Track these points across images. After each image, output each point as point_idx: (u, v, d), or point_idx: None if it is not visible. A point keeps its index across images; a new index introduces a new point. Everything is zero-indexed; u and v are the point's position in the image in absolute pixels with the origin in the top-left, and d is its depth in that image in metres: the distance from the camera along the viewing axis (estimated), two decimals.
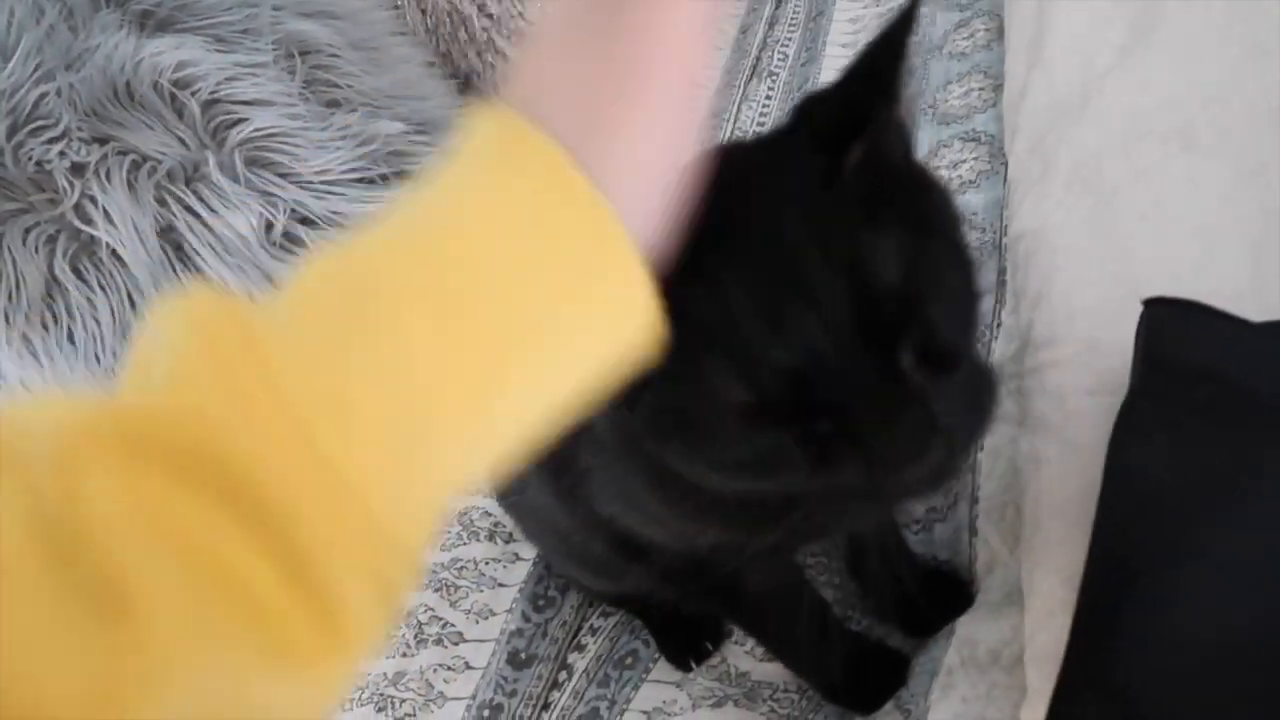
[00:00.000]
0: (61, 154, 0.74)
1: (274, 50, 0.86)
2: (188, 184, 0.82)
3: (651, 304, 0.28)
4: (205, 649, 0.24)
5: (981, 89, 0.91)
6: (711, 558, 0.48)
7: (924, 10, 1.06)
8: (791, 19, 1.25)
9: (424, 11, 1.16)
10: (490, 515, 0.85)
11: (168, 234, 0.80)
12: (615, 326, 0.28)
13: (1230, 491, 0.41)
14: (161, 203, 0.80)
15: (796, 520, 0.41)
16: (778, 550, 0.53)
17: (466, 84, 1.19)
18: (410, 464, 0.26)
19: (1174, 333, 0.49)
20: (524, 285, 0.27)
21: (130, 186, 0.77)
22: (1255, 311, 0.51)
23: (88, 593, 0.23)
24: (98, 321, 0.74)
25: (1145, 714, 0.38)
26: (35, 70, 0.73)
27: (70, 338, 0.73)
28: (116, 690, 0.22)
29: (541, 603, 0.77)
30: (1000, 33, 0.94)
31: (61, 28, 0.75)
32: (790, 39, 1.21)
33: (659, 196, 0.29)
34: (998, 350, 0.70)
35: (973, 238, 0.79)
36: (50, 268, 0.74)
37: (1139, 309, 0.53)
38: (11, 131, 0.72)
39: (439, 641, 0.77)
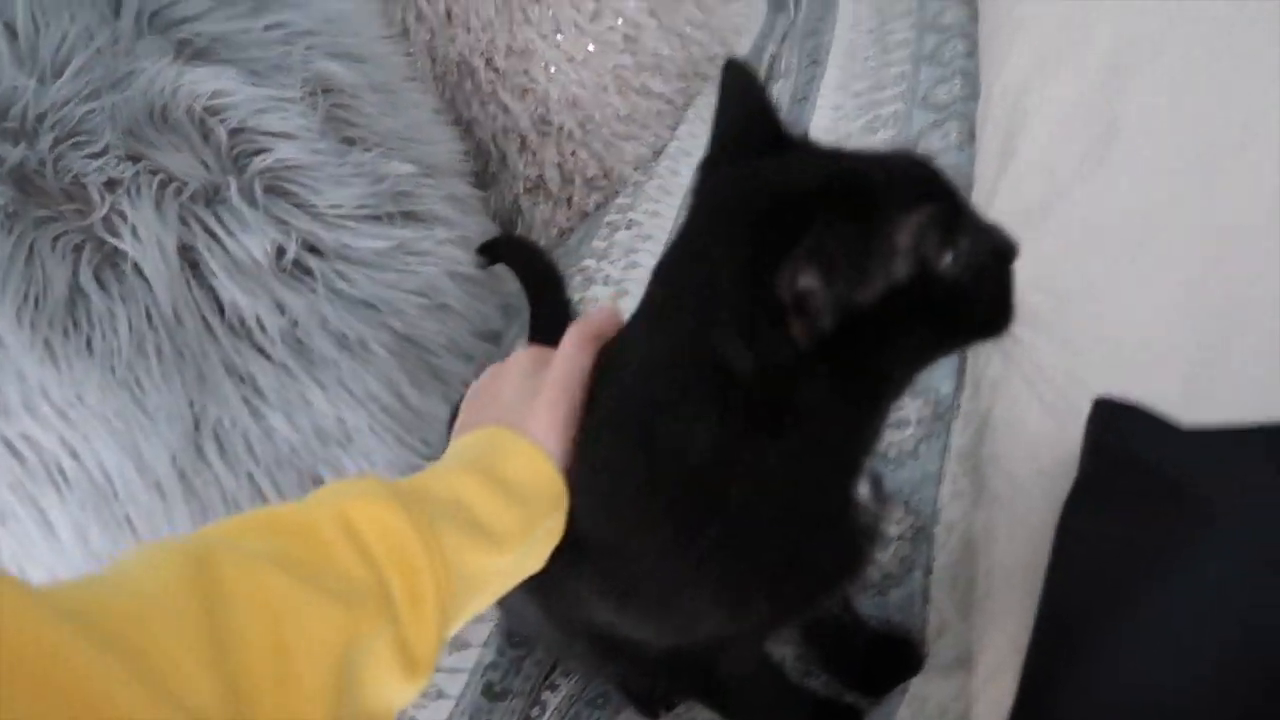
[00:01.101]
0: (99, 169, 0.77)
1: (302, 87, 0.91)
2: (208, 205, 0.86)
3: (562, 487, 0.51)
4: None
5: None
6: (694, 651, 0.54)
7: (900, 109, 1.15)
8: (777, 99, 1.33)
9: (434, 59, 1.22)
10: None
11: (187, 252, 0.83)
12: (555, 499, 0.51)
13: (1163, 573, 0.47)
14: (184, 222, 0.83)
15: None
16: (758, 637, 0.59)
17: (468, 130, 1.25)
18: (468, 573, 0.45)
19: (1118, 430, 0.56)
20: (509, 488, 0.49)
21: (157, 205, 0.81)
22: (1191, 413, 0.59)
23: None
24: (115, 331, 0.77)
25: None
26: (84, 88, 0.76)
27: (89, 345, 0.75)
28: None
29: (517, 639, 0.81)
30: (972, 135, 1.03)
31: (109, 50, 0.79)
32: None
33: (558, 441, 0.51)
34: (957, 432, 0.76)
35: None
36: (75, 275, 0.77)
37: (1089, 404, 0.60)
38: (55, 144, 0.75)
39: None
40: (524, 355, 0.57)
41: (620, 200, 1.26)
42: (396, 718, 0.43)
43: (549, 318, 1.06)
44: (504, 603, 0.75)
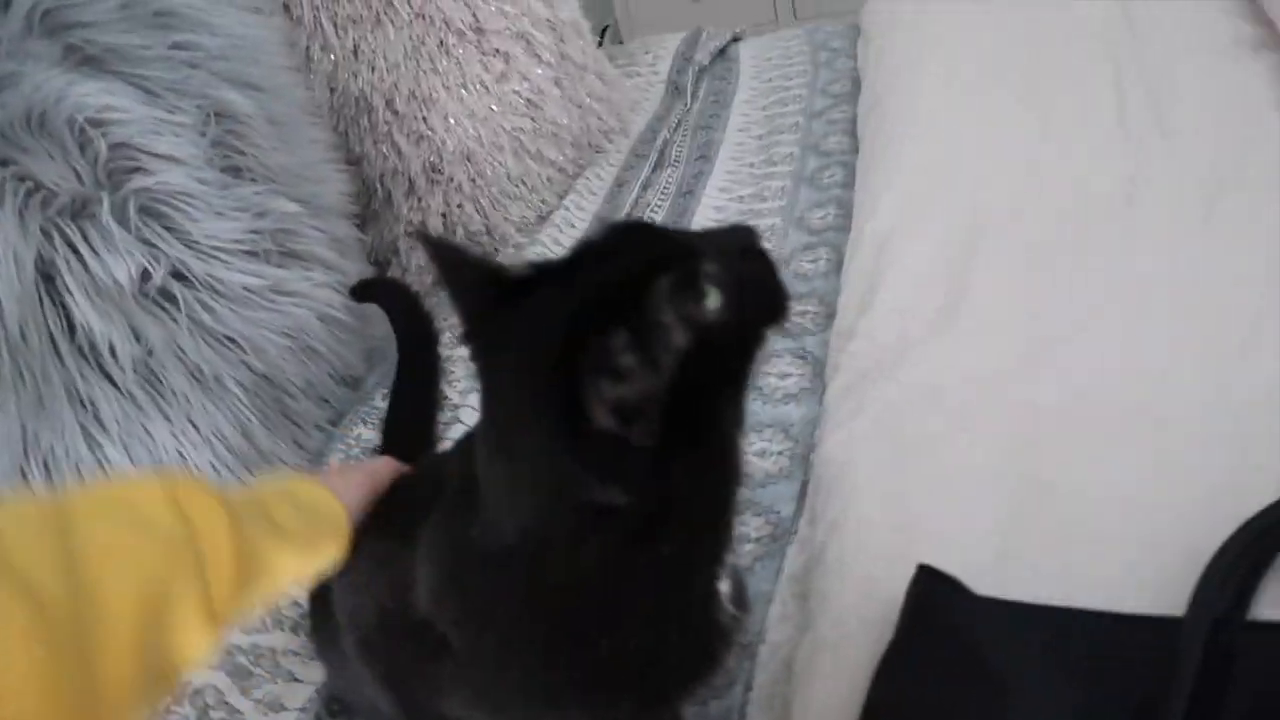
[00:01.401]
0: None
1: (197, 112, 0.88)
2: (74, 219, 0.81)
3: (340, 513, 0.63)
4: None
5: (816, 313, 1.06)
6: None
7: (777, 223, 1.22)
8: (665, 187, 1.38)
9: (332, 91, 1.20)
10: (299, 607, 0.87)
11: (42, 265, 0.79)
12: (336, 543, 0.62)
13: None
14: (46, 234, 0.79)
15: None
16: None
17: (355, 166, 1.23)
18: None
19: (934, 598, 0.62)
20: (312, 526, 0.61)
21: (20, 214, 0.76)
22: (1000, 580, 0.66)
23: None
24: None
25: None
26: None
27: None
28: None
29: (336, 708, 0.80)
30: (840, 265, 1.10)
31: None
32: (661, 205, 1.34)
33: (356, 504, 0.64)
34: (790, 556, 0.82)
35: (785, 446, 0.92)
36: None
37: (914, 564, 0.66)
38: None
39: None
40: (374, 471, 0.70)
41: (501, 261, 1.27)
42: None
43: (418, 365, 1.06)
44: (340, 676, 0.76)
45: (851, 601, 0.70)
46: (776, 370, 1.00)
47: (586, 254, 0.52)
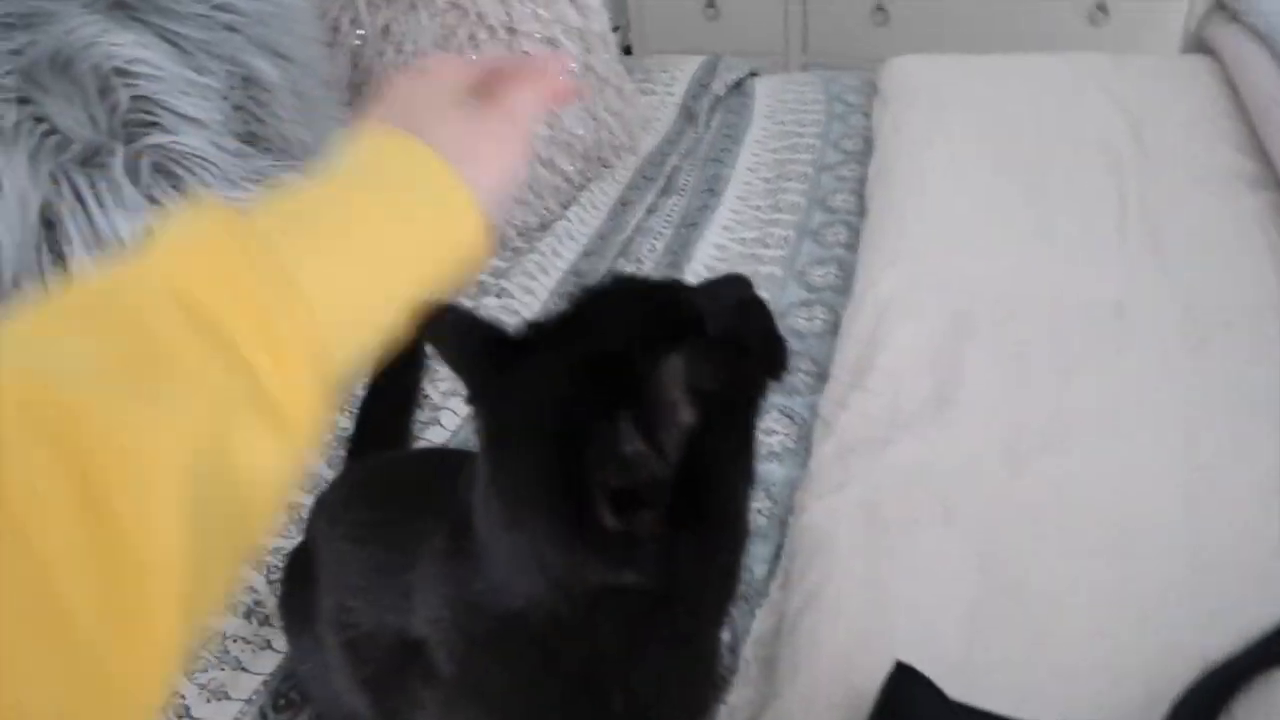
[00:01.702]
0: None
1: (227, 78, 0.85)
2: (84, 167, 0.78)
3: (484, 230, 0.43)
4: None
5: (808, 373, 1.06)
6: None
7: (776, 273, 1.23)
8: (669, 214, 1.38)
9: (355, 66, 1.18)
10: (255, 592, 0.85)
11: (46, 214, 0.76)
12: (466, 235, 0.43)
13: None
14: (55, 181, 0.76)
15: None
16: None
17: None
18: (340, 292, 0.38)
19: (909, 700, 0.63)
20: (415, 206, 0.41)
21: (32, 158, 0.73)
22: (973, 672, 0.67)
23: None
24: None
25: None
26: None
27: None
28: None
29: (283, 703, 0.78)
30: (836, 328, 1.12)
31: None
32: (664, 232, 1.34)
33: (492, 196, 0.44)
34: (758, 618, 0.82)
35: (764, 505, 0.93)
36: None
37: (889, 655, 0.67)
38: None
39: (163, 708, 0.76)
40: (450, 70, 0.47)
41: (495, 263, 1.26)
42: None
43: (402, 359, 1.04)
44: (305, 659, 0.73)
45: (823, 681, 0.71)
46: (763, 426, 1.00)
47: (586, 313, 0.51)
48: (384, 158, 0.42)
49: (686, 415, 0.45)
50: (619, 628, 0.49)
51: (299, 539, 0.88)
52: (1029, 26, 2.35)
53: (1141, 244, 1.14)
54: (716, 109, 1.67)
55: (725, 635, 0.58)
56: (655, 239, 1.32)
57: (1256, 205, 1.19)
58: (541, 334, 0.51)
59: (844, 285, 1.18)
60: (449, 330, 0.53)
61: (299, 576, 0.73)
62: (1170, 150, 1.31)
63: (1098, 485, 0.86)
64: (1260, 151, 1.27)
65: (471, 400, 0.52)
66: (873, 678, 0.67)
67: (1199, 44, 1.77)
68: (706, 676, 0.56)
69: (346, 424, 1.00)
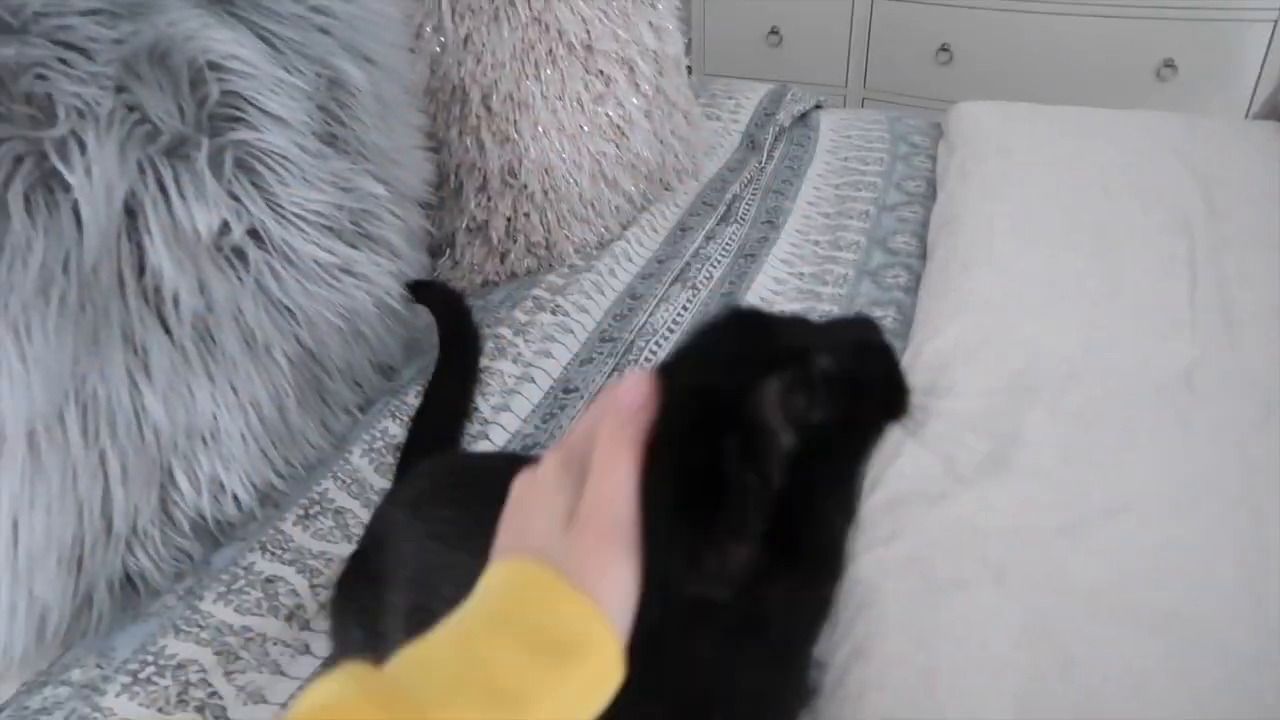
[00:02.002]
0: (77, 94, 0.69)
1: (316, 79, 0.86)
2: (168, 157, 0.79)
3: (620, 667, 0.43)
4: None
5: None
6: None
7: (834, 311, 1.22)
8: (727, 243, 1.38)
9: (432, 72, 1.18)
10: (297, 595, 0.85)
11: (129, 202, 0.76)
12: (608, 678, 0.42)
13: None
14: (140, 170, 0.76)
15: None
16: None
17: (435, 153, 1.21)
18: None
19: None
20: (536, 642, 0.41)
21: (123, 145, 0.74)
22: None
23: None
24: (25, 265, 0.69)
25: None
26: (104, 5, 0.69)
27: None
28: None
29: None
30: None
31: None
32: (721, 260, 1.34)
33: (614, 585, 0.43)
34: None
35: None
36: (5, 188, 0.68)
37: (939, 715, 0.66)
38: (48, 48, 0.67)
39: (200, 709, 0.76)
40: (552, 461, 0.48)
41: (552, 278, 1.26)
42: None
43: (457, 373, 1.05)
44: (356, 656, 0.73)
45: None
46: None
47: (703, 341, 0.51)
48: (524, 600, 0.43)
49: (786, 439, 0.45)
50: (711, 641, 0.49)
51: (345, 544, 0.88)
52: (1095, 77, 2.33)
53: (1211, 312, 1.12)
54: (780, 139, 1.66)
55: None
56: (713, 267, 1.32)
57: None
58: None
59: (902, 330, 1.17)
60: None
61: (359, 576, 0.73)
62: (1241, 216, 1.29)
63: (1157, 560, 0.84)
64: None
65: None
66: None
67: (1272, 110, 1.75)
68: (795, 690, 0.56)
69: (398, 432, 1.00)
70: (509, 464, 0.75)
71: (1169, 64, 2.29)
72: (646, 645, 0.48)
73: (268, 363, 0.88)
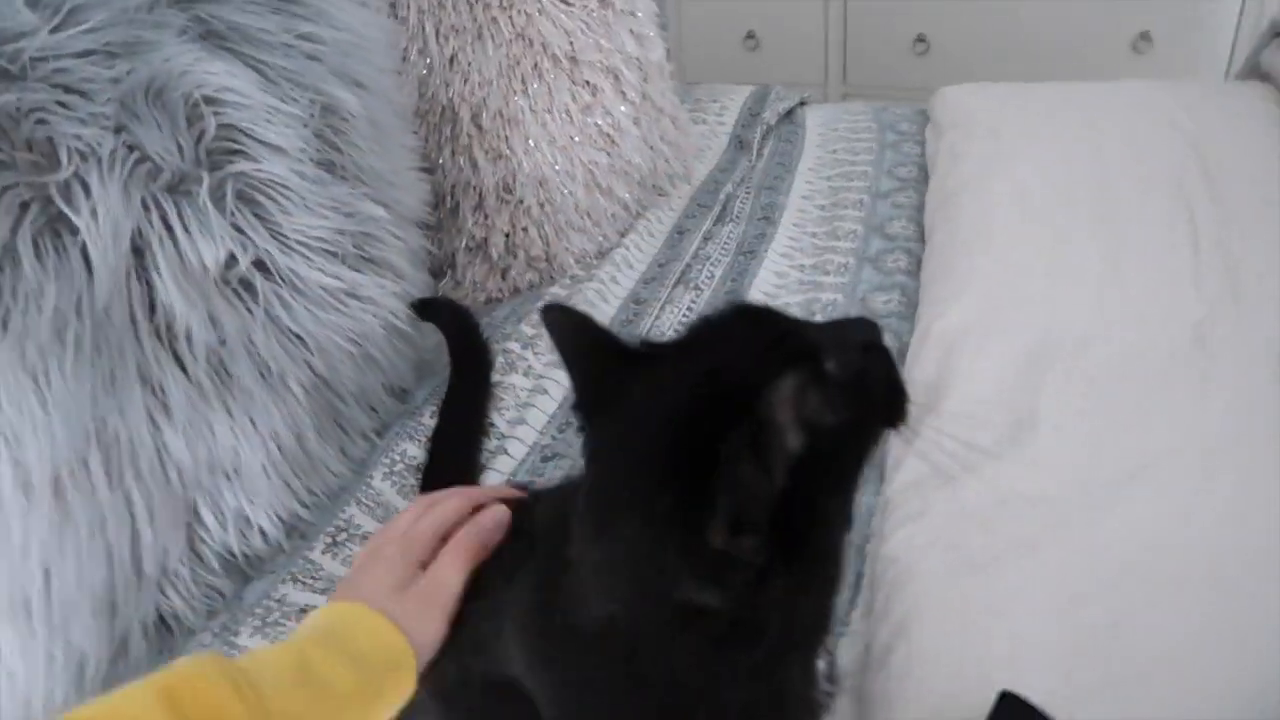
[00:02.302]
0: (77, 135, 0.70)
1: (309, 107, 0.86)
2: (171, 194, 0.79)
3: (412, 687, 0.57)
4: None
5: None
6: None
7: (839, 300, 1.22)
8: (725, 241, 1.38)
9: (421, 95, 1.19)
10: None
11: (136, 242, 0.76)
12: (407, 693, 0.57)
13: None
14: (145, 209, 0.76)
15: None
16: None
17: (428, 173, 1.21)
18: None
19: None
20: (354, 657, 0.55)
21: (125, 185, 0.74)
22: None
23: None
24: (40, 309, 0.69)
25: None
26: (98, 47, 0.69)
27: (3, 323, 0.67)
28: None
29: None
30: (901, 356, 1.10)
31: (133, 15, 0.72)
32: (721, 259, 1.34)
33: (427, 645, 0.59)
34: (842, 648, 0.81)
35: None
36: (13, 233, 0.69)
37: (987, 689, 0.66)
38: (46, 92, 0.67)
39: None
40: (394, 547, 0.62)
41: (555, 290, 1.26)
42: None
43: (470, 390, 1.05)
44: None
45: (921, 714, 0.69)
46: None
47: (705, 335, 0.51)
48: (356, 628, 0.57)
49: (794, 440, 0.44)
50: (701, 655, 0.48)
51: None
52: (1073, 55, 2.35)
53: (1216, 273, 1.12)
54: (768, 137, 1.67)
55: (821, 664, 0.56)
56: (714, 266, 1.32)
57: None
58: (656, 349, 0.51)
59: (908, 312, 1.17)
60: (562, 328, 0.54)
61: None
62: (1237, 176, 1.29)
63: (1187, 521, 0.84)
64: None
65: (579, 402, 0.52)
66: (974, 709, 0.66)
67: (1253, 70, 1.76)
68: (801, 704, 0.55)
69: (417, 453, 1.00)
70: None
71: (1144, 36, 2.30)
72: (631, 654, 0.48)
73: (283, 392, 0.88)
